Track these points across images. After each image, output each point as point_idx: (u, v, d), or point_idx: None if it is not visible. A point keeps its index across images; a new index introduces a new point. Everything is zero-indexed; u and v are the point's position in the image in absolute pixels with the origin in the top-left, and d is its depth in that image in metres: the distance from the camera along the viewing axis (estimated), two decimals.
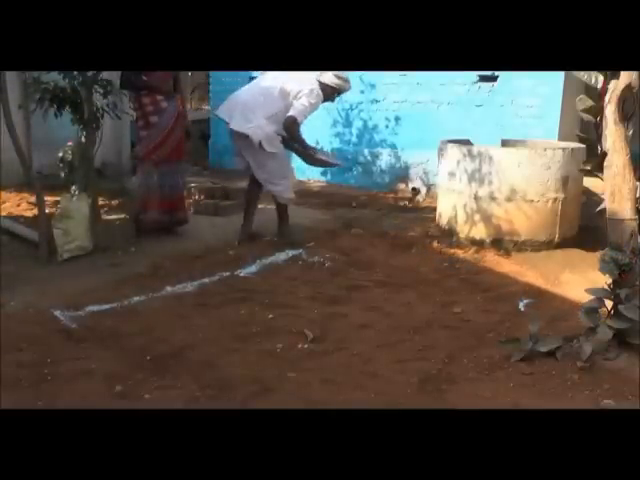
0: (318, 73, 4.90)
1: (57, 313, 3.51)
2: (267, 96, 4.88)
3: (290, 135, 4.93)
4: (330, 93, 5.02)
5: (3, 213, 5.69)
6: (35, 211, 4.83)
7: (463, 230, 5.17)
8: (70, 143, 4.67)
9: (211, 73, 9.21)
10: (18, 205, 6.10)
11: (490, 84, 6.78)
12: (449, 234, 5.26)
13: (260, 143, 4.82)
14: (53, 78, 4.64)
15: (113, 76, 4.87)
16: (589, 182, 5.10)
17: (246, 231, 5.15)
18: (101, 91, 4.74)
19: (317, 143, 6.55)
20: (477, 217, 5.08)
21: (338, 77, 4.92)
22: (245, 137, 4.84)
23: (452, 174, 5.24)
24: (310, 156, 5.15)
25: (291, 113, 4.82)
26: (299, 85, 4.85)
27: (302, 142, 5.09)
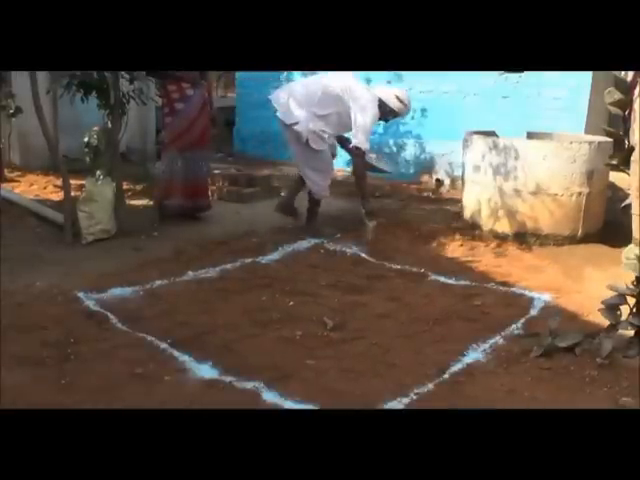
0: (381, 88, 4.72)
1: (80, 294, 3.57)
2: (324, 95, 4.84)
3: (359, 164, 5.02)
4: (387, 112, 4.89)
5: (30, 195, 5.79)
6: (61, 194, 4.90)
7: (487, 223, 5.13)
8: (96, 128, 4.72)
9: None
10: (45, 188, 6.21)
11: (517, 75, 6.70)
12: (472, 227, 5.23)
13: (307, 139, 4.80)
14: None
15: None
16: (615, 177, 5.04)
17: (283, 202, 5.30)
18: (127, 77, 4.77)
19: None
20: (501, 211, 5.04)
21: (399, 99, 4.74)
22: (291, 129, 4.83)
23: (477, 166, 5.20)
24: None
25: (355, 143, 4.82)
26: (355, 96, 4.78)
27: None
